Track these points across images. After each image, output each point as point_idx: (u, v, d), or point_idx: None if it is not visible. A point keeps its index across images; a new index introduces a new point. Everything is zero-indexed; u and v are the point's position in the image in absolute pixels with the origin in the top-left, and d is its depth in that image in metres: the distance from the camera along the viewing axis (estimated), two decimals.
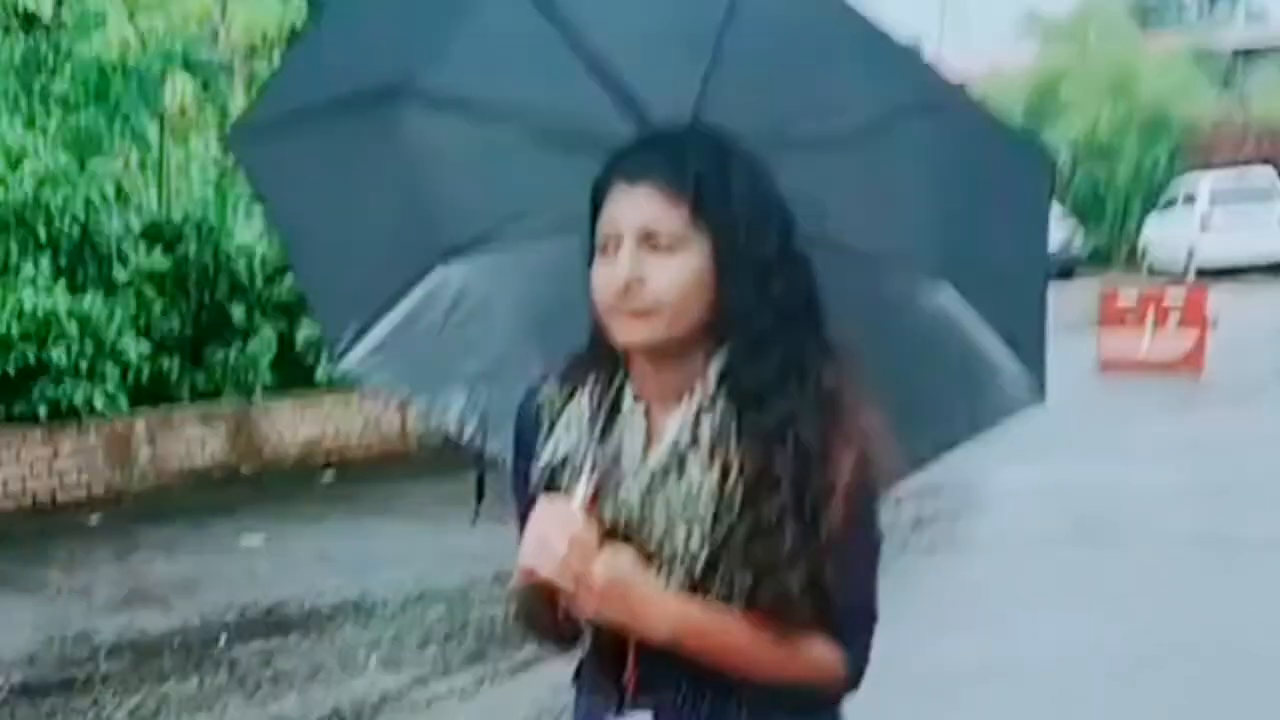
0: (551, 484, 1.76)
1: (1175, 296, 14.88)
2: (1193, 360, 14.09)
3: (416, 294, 2.19)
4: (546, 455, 1.78)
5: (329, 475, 10.87)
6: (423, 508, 8.93)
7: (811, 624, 1.69)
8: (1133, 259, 28.41)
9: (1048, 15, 35.62)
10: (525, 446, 1.84)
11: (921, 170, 1.88)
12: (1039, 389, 2.08)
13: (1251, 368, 13.97)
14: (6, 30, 11.04)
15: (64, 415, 9.64)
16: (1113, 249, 29.67)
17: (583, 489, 1.69)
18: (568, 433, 1.77)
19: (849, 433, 1.67)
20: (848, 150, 1.87)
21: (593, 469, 1.71)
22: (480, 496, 2.27)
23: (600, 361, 1.77)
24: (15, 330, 9.20)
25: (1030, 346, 2.04)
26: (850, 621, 1.74)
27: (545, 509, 1.68)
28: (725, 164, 1.69)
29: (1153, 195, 28.38)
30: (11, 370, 9.35)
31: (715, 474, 1.67)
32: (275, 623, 6.87)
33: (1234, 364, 14.05)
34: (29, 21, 10.97)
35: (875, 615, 1.79)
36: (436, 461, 8.36)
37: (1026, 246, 1.94)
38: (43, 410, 9.54)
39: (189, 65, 11.11)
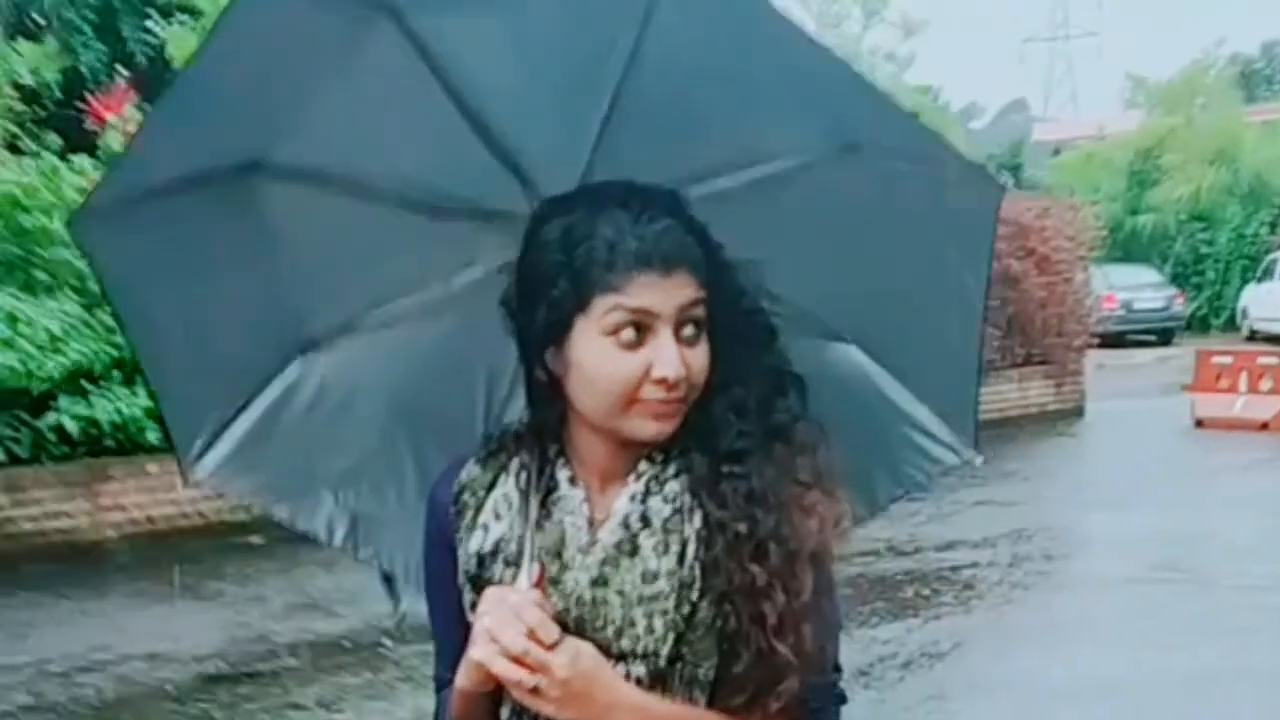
0: (479, 577, 1.60)
1: (1269, 359, 15.28)
2: None
3: (273, 391, 1.97)
4: (475, 544, 1.61)
5: None
6: None
7: (786, 709, 1.51)
8: (1232, 324, 28.50)
9: (1153, 82, 35.88)
10: (442, 535, 1.66)
11: (832, 222, 1.78)
12: (969, 446, 1.92)
13: None
14: None
15: None
16: (1211, 314, 29.80)
17: (524, 578, 1.53)
18: (497, 520, 1.61)
19: (820, 494, 1.55)
20: (751, 202, 1.74)
21: (532, 557, 1.56)
22: (396, 599, 2.02)
23: (526, 443, 1.62)
24: None
25: (957, 403, 1.90)
26: (818, 701, 1.58)
27: (495, 598, 1.51)
28: (705, 232, 1.57)
29: (1252, 263, 28.48)
30: None
31: (673, 555, 1.53)
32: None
33: None
34: None
35: (845, 697, 1.65)
36: None
37: (954, 298, 1.79)
38: None
39: None
